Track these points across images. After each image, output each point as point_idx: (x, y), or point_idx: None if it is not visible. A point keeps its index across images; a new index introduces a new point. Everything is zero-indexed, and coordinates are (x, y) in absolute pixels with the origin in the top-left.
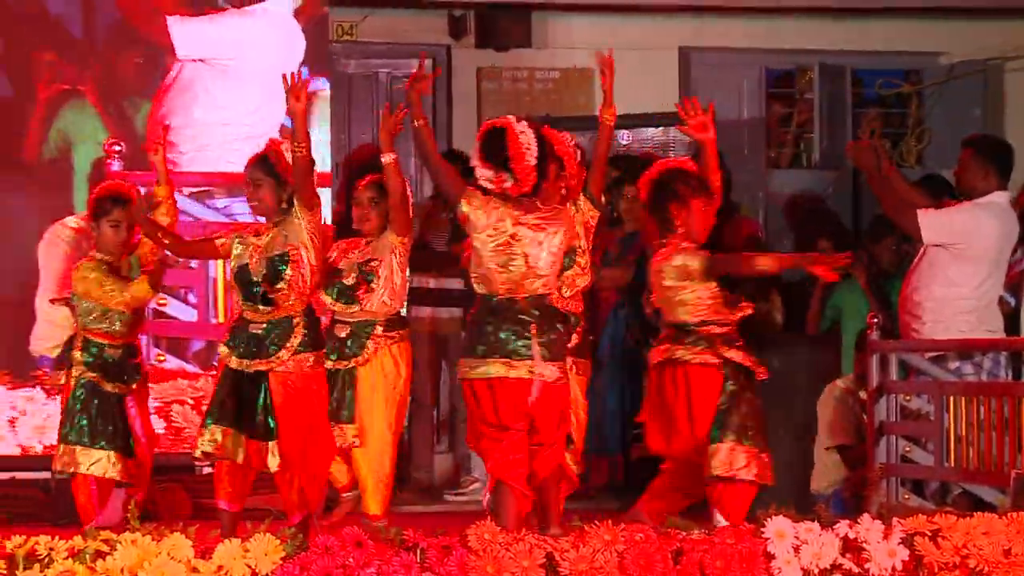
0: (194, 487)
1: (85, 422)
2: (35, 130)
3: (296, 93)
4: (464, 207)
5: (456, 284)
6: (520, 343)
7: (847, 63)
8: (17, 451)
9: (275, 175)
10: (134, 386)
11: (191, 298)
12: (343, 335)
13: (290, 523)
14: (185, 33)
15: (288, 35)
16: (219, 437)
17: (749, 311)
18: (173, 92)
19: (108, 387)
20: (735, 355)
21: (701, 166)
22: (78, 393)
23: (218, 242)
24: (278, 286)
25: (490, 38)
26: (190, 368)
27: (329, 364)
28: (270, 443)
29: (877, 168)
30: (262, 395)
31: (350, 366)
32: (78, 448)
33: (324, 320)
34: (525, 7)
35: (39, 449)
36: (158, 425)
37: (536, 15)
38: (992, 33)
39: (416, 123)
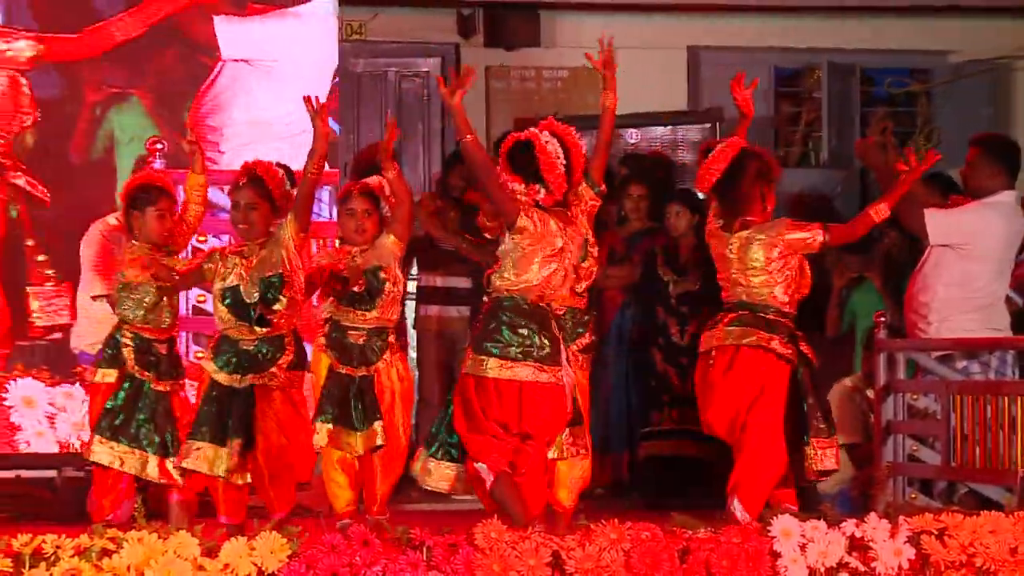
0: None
1: (140, 418)
2: (83, 132)
3: (323, 116)
4: (523, 221)
5: (463, 282)
6: (550, 349)
7: (856, 62)
8: (56, 448)
9: (271, 200)
10: (182, 381)
11: None
12: (360, 342)
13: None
14: (231, 33)
15: (329, 35)
16: (210, 454)
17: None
18: (214, 91)
19: (159, 385)
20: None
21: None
22: (127, 389)
23: (205, 267)
24: (275, 308)
25: (499, 37)
26: None
27: (342, 370)
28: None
29: (885, 166)
30: (248, 408)
31: (369, 373)
32: (118, 445)
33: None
34: (534, 6)
35: (77, 446)
36: None
37: (545, 14)
38: (1001, 32)
39: (465, 138)
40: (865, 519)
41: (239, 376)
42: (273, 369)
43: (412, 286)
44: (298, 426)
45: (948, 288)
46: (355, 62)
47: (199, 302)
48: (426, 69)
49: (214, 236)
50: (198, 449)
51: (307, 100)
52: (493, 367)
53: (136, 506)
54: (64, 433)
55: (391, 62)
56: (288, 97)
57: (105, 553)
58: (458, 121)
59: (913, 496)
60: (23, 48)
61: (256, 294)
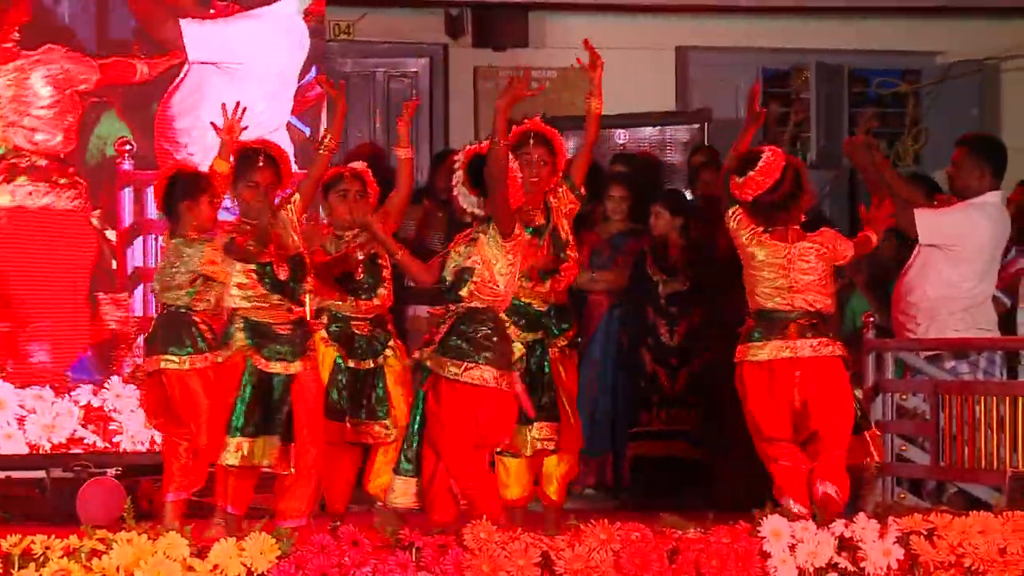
0: None
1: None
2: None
3: (340, 98)
4: (517, 228)
5: None
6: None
7: (844, 62)
8: (25, 450)
9: (279, 178)
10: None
11: None
12: (366, 332)
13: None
14: (197, 35)
15: (295, 37)
16: (246, 449)
17: None
18: (180, 93)
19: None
20: None
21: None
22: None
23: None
24: (304, 286)
25: (487, 37)
26: None
27: (352, 364)
28: (290, 446)
29: (872, 165)
30: (288, 397)
31: (378, 364)
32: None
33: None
34: (522, 6)
35: (47, 448)
36: None
37: (533, 14)
38: (989, 33)
39: (499, 142)
40: (854, 519)
41: (285, 363)
42: (308, 354)
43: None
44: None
45: (935, 288)
46: (343, 62)
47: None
48: (414, 69)
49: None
50: (236, 444)
51: (321, 79)
52: (490, 375)
53: (125, 506)
54: (34, 435)
55: (379, 62)
56: (256, 98)
57: (94, 554)
58: (499, 125)
59: (902, 496)
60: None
61: (289, 272)
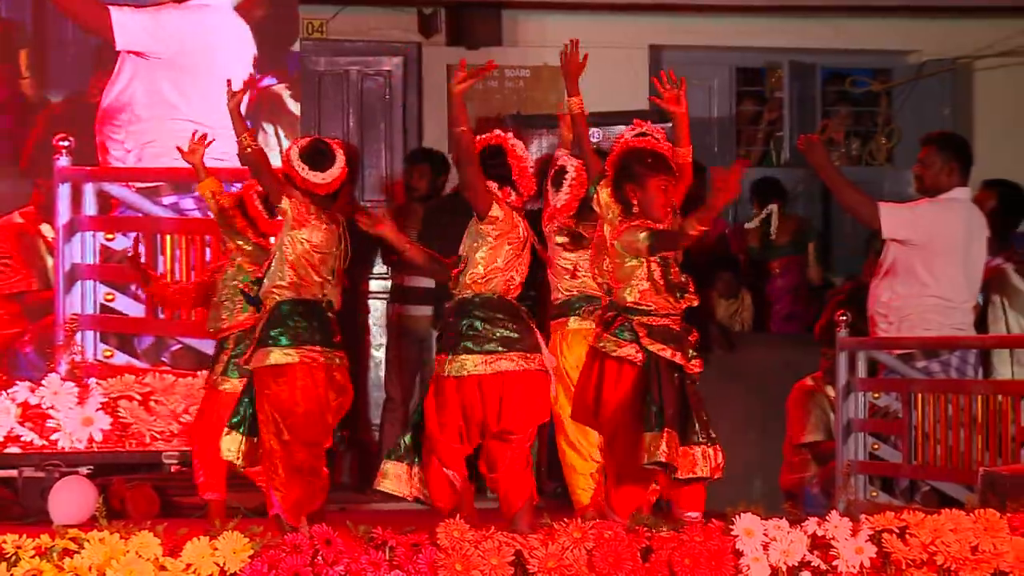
0: (163, 484)
1: None
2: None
3: (228, 91)
4: (495, 211)
5: (427, 282)
6: (526, 336)
7: (817, 61)
8: None
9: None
10: None
11: (140, 293)
12: None
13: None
14: (125, 24)
15: (235, 31)
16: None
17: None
18: (116, 86)
19: None
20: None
21: (673, 140)
22: None
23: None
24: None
25: (461, 36)
26: (138, 364)
27: None
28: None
29: (828, 164)
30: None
31: None
32: None
33: None
34: (495, 5)
35: None
36: (104, 421)
37: (507, 13)
38: (961, 32)
39: (460, 128)
40: (827, 518)
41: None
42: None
43: (377, 285)
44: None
45: (908, 287)
46: (316, 60)
47: (108, 300)
48: (388, 68)
49: (122, 234)
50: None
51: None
52: (474, 364)
53: (97, 506)
54: None
55: (353, 61)
56: (193, 92)
57: (66, 553)
58: (455, 111)
59: (874, 494)
60: None
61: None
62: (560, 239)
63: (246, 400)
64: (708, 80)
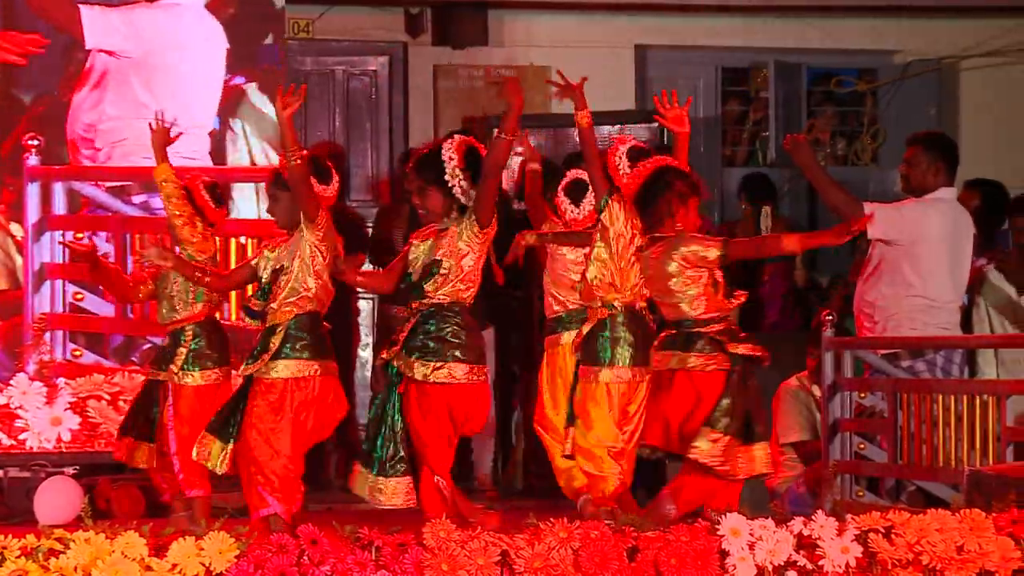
0: (148, 484)
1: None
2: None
3: (283, 100)
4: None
5: None
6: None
7: (802, 61)
8: None
9: (289, 189)
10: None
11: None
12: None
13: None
14: (95, 22)
15: (205, 28)
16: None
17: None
18: (87, 86)
19: None
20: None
21: (674, 156)
22: None
23: (253, 263)
24: (265, 301)
25: (447, 36)
26: (107, 363)
27: None
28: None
29: (814, 164)
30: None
31: None
32: None
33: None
34: (482, 5)
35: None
36: (73, 421)
37: (493, 13)
38: (946, 32)
39: (509, 136)
40: (813, 517)
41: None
42: (265, 357)
43: None
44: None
45: (894, 287)
46: (302, 60)
47: (77, 300)
48: (374, 68)
49: (91, 233)
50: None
51: (279, 90)
52: (460, 371)
53: (83, 506)
54: None
55: (339, 60)
56: (164, 91)
57: (52, 553)
58: (511, 123)
59: (860, 494)
60: None
61: (261, 287)
62: (572, 253)
63: (237, 407)
64: (694, 80)
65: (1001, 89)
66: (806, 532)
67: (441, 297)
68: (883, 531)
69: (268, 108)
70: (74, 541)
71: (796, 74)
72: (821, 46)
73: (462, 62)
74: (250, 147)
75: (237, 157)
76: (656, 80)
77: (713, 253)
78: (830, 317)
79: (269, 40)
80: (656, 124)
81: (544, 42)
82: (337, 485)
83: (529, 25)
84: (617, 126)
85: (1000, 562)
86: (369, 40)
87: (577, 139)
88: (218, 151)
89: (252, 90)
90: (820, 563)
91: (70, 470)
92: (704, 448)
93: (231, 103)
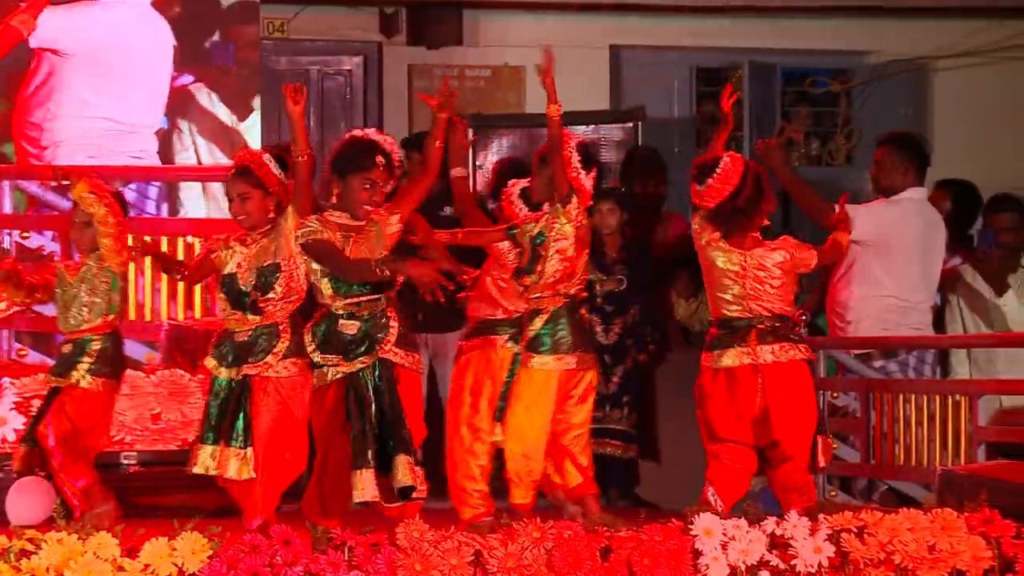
0: (121, 485)
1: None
2: None
3: (293, 97)
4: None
5: None
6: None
7: (777, 61)
8: None
9: (261, 186)
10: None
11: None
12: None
13: (248, 526)
14: (40, 22)
15: (151, 27)
16: (218, 455)
17: None
18: (32, 84)
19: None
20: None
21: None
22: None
23: (212, 256)
24: (268, 296)
25: (421, 36)
26: (52, 362)
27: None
28: (248, 451)
29: (786, 167)
30: (244, 401)
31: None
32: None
33: None
34: (456, 5)
35: None
36: (18, 420)
37: (468, 13)
38: (920, 32)
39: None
40: (785, 517)
41: (236, 369)
42: (268, 358)
43: None
44: (289, 418)
45: (866, 287)
46: (277, 60)
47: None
48: (348, 68)
49: (37, 233)
50: (212, 451)
51: (286, 88)
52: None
53: (55, 506)
54: None
55: (313, 60)
56: (109, 90)
57: (24, 554)
58: (298, 135)
59: (833, 494)
60: None
61: (252, 282)
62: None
63: (240, 411)
64: (668, 80)
65: (975, 90)
66: (779, 532)
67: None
68: (855, 531)
69: (217, 107)
70: (46, 542)
71: (770, 74)
72: (795, 46)
73: (437, 62)
74: (197, 147)
75: (184, 156)
76: (631, 80)
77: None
78: (804, 317)
79: (217, 38)
80: (630, 124)
81: (519, 42)
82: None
83: (504, 25)
84: (592, 126)
85: (971, 562)
86: (344, 40)
87: None
88: (166, 150)
89: (200, 89)
90: (793, 563)
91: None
92: None
93: (179, 102)
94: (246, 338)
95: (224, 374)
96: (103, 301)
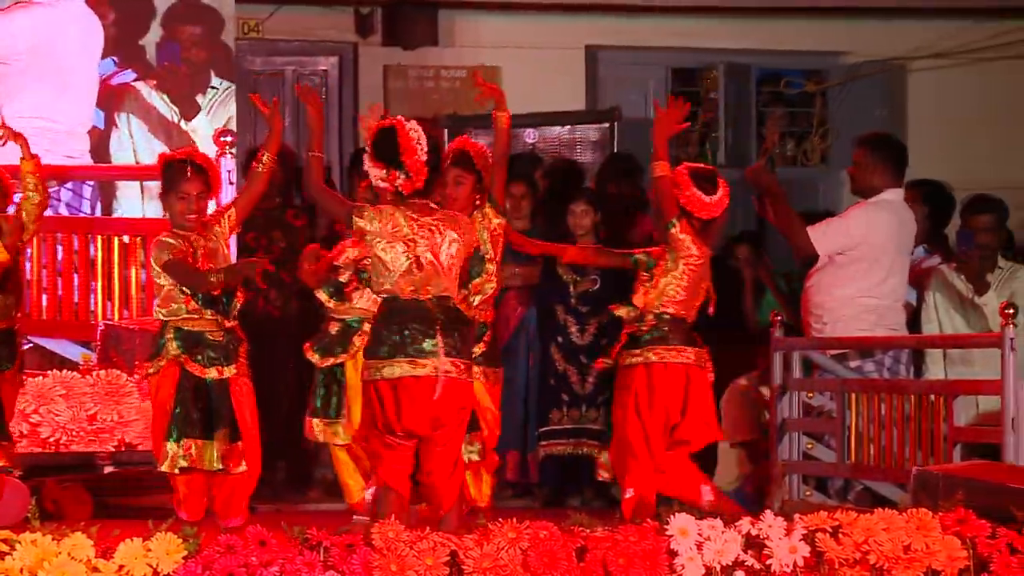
0: (96, 485)
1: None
2: None
3: (312, 100)
4: (359, 222)
5: None
6: (426, 342)
7: (752, 62)
8: None
9: (209, 187)
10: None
11: None
12: (334, 332)
13: (227, 525)
14: None
15: (84, 26)
16: (193, 450)
17: None
18: None
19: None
20: None
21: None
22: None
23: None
24: (236, 300)
25: (397, 36)
26: None
27: (316, 359)
28: (239, 445)
29: (775, 186)
30: (228, 399)
31: (338, 362)
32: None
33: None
34: (432, 5)
35: None
36: None
37: (443, 13)
38: (895, 33)
39: (312, 154)
40: (761, 517)
41: (219, 368)
42: (241, 359)
43: None
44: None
45: (841, 288)
46: (252, 60)
47: None
48: (324, 68)
49: None
50: (182, 446)
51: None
52: (373, 370)
53: (30, 507)
54: None
55: (288, 60)
56: (43, 90)
57: None
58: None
59: (808, 494)
60: None
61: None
62: None
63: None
64: (644, 81)
65: (949, 90)
66: (754, 532)
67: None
68: (831, 531)
69: (159, 105)
70: (20, 542)
71: (746, 75)
72: (770, 47)
73: (412, 62)
74: (135, 146)
75: (122, 156)
76: (606, 80)
77: None
78: (779, 317)
79: (159, 36)
80: (606, 124)
81: (494, 43)
82: (286, 486)
83: (479, 25)
84: (567, 127)
85: (947, 561)
86: (319, 40)
87: (527, 139)
88: (103, 149)
89: (141, 88)
90: (768, 563)
91: (16, 471)
92: None
93: (117, 101)
94: (220, 339)
95: (198, 371)
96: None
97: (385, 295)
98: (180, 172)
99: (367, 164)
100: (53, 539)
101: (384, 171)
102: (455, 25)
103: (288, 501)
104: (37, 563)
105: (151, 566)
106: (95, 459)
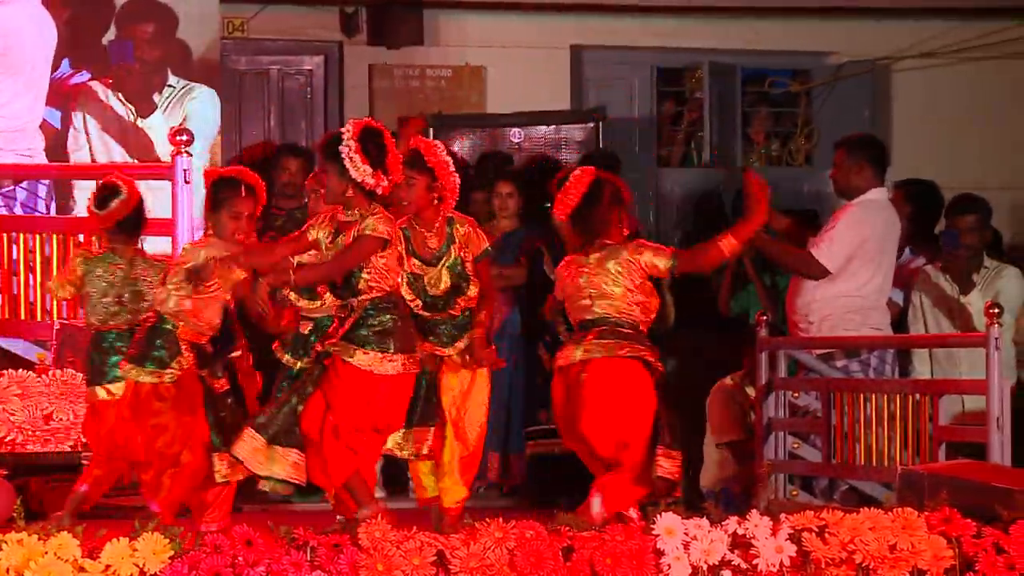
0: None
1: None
2: None
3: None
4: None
5: None
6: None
7: (737, 62)
8: None
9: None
10: None
11: None
12: (306, 332)
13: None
14: None
15: (38, 24)
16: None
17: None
18: None
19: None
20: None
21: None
22: None
23: None
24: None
25: (382, 35)
26: None
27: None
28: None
29: (771, 243)
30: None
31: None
32: None
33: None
34: (417, 4)
35: None
36: None
37: (428, 13)
38: (880, 33)
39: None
40: (747, 517)
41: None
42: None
43: None
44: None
45: (826, 288)
46: (237, 59)
47: None
48: (309, 67)
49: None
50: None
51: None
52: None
53: (15, 507)
54: None
55: (274, 59)
56: (10, 93)
57: None
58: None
59: (794, 493)
60: None
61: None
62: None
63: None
64: (629, 80)
65: (934, 90)
66: (740, 531)
67: (374, 292)
68: (817, 530)
69: (115, 104)
70: (6, 542)
71: (731, 75)
72: (755, 47)
73: (397, 62)
74: (91, 144)
75: (79, 155)
76: (591, 80)
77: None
78: (765, 317)
79: (114, 36)
80: (591, 124)
81: (479, 42)
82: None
83: (464, 25)
84: (553, 126)
85: (932, 561)
86: (304, 39)
87: (512, 139)
88: (59, 148)
89: (96, 87)
90: (754, 562)
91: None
92: None
93: (73, 100)
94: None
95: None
96: None
97: (381, 295)
98: (233, 191)
99: (353, 160)
100: (39, 539)
101: (371, 171)
102: (440, 24)
103: (274, 501)
104: (23, 563)
105: (138, 566)
106: (80, 459)
